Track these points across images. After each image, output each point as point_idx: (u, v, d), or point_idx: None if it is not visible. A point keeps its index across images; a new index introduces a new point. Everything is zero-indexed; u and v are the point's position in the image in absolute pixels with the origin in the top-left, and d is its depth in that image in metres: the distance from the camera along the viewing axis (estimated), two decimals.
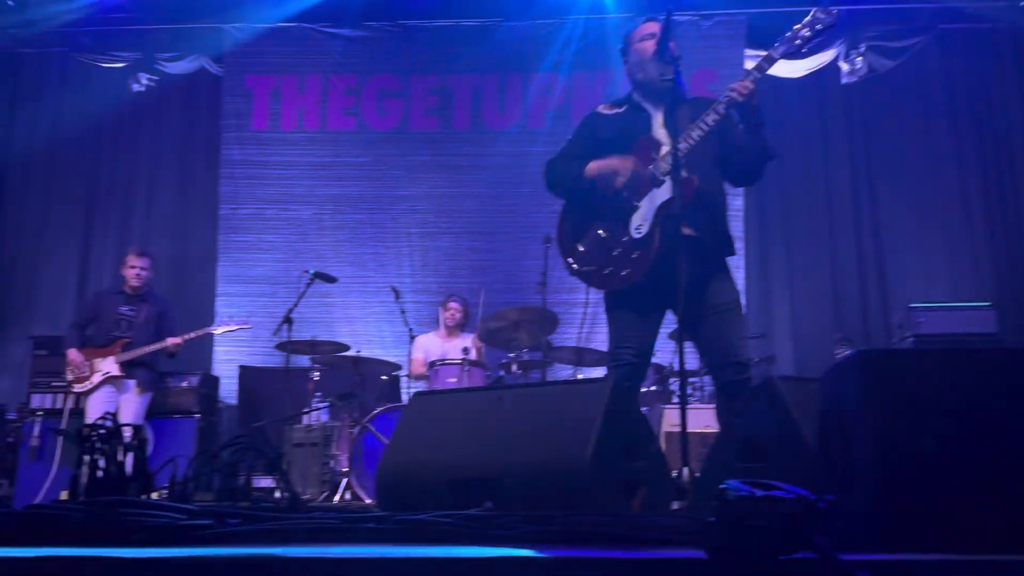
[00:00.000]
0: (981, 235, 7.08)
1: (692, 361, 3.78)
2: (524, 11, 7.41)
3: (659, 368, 5.73)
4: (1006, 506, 1.30)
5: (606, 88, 7.19)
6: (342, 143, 7.64)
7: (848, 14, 7.22)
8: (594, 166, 3.11)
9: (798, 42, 2.96)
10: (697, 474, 2.63)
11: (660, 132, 3.12)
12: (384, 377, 5.87)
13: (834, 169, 7.43)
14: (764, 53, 3.06)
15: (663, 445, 5.27)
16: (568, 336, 6.41)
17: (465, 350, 5.36)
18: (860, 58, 7.22)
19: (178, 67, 7.65)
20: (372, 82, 7.75)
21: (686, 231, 2.98)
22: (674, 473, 2.70)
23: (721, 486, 1.12)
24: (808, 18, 2.96)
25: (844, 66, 7.29)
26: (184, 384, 5.83)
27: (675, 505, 2.60)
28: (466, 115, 7.67)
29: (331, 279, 5.70)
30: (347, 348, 5.68)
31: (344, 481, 5.05)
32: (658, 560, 1.18)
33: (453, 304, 6.07)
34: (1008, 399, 1.32)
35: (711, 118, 2.95)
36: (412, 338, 5.91)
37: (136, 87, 7.59)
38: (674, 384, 5.82)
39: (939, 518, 1.27)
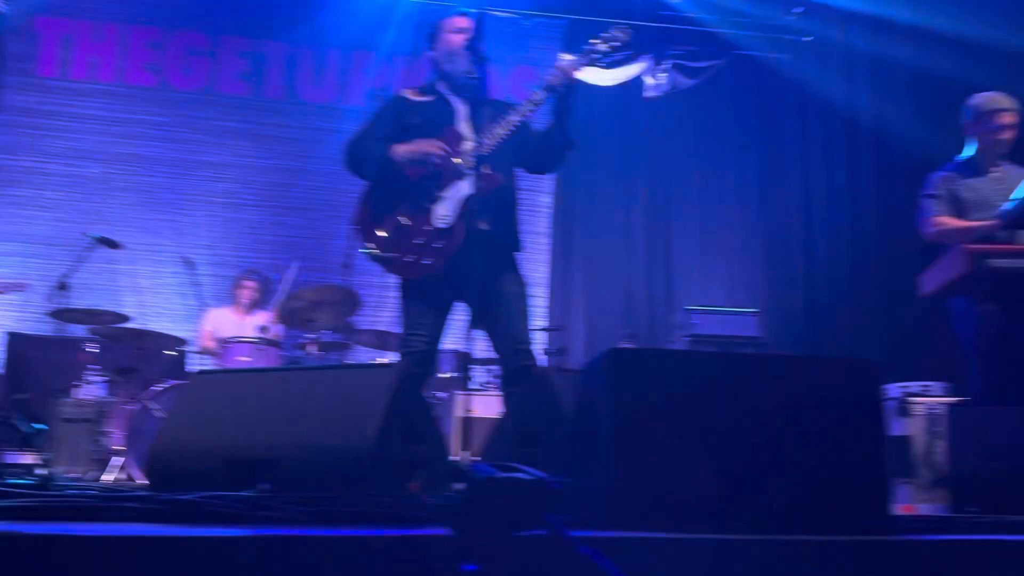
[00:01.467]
0: (756, 245, 7.77)
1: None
2: None
3: (459, 355, 5.85)
4: (725, 490, 1.47)
5: (426, 73, 7.21)
6: (140, 100, 7.14)
7: (657, 32, 7.69)
8: (403, 149, 3.12)
9: (595, 55, 3.14)
10: (477, 458, 2.74)
11: (463, 126, 3.19)
12: (170, 352, 5.58)
13: (634, 175, 7.88)
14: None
15: (456, 430, 5.41)
16: (376, 319, 6.41)
17: (262, 328, 5.22)
18: (664, 74, 7.70)
19: None
20: (178, 38, 7.30)
21: (482, 225, 3.08)
22: (455, 457, 2.80)
23: (468, 468, 1.19)
24: (604, 35, 3.14)
25: (649, 80, 7.75)
26: None
27: (456, 487, 2.69)
28: (279, 84, 7.41)
29: (115, 244, 5.33)
30: (129, 319, 5.35)
31: (118, 460, 4.76)
32: (406, 537, 1.24)
33: (248, 282, 5.87)
34: (732, 397, 1.50)
35: (516, 119, 3.06)
36: (205, 311, 5.66)
37: None
38: (471, 371, 5.97)
39: (666, 501, 1.43)
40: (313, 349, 5.35)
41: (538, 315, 7.12)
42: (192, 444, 2.57)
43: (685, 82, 7.80)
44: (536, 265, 7.32)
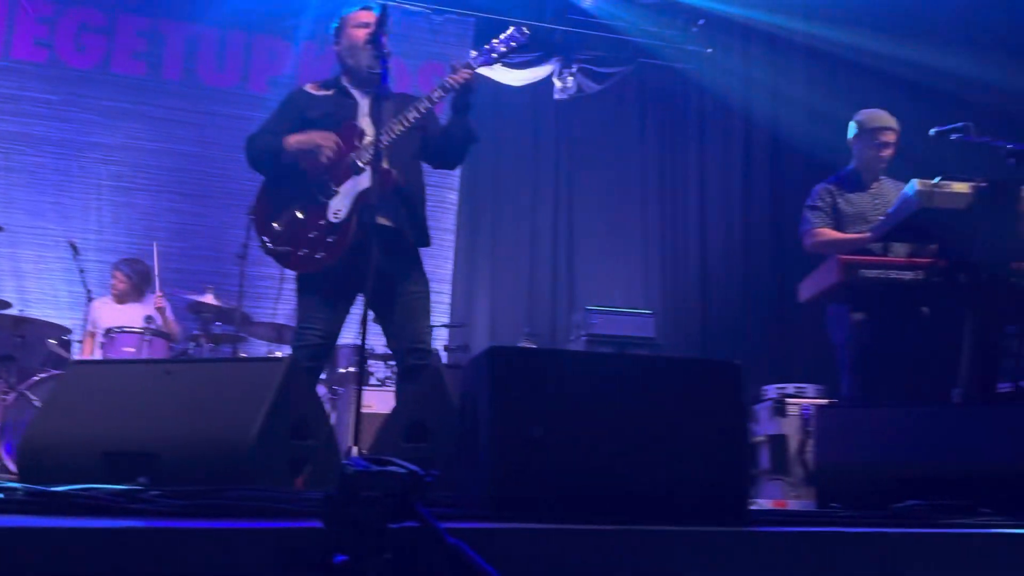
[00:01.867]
0: (654, 249, 8.00)
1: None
2: None
3: (357, 350, 5.80)
4: (596, 485, 1.54)
5: (332, 62, 7.11)
6: (29, 76, 6.78)
7: (565, 36, 7.82)
8: (294, 140, 3.11)
9: (494, 55, 3.19)
10: (365, 452, 2.74)
11: (364, 121, 3.19)
12: (52, 341, 5.34)
13: (540, 175, 7.99)
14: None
15: (351, 426, 5.37)
16: (270, 311, 6.28)
17: (148, 318, 5.04)
18: (571, 78, 7.83)
19: None
20: (72, 14, 6.97)
21: (382, 221, 3.09)
22: (346, 452, 2.79)
23: (342, 463, 1.21)
24: (505, 35, 3.20)
25: (557, 83, 7.86)
26: None
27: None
28: (178, 66, 7.16)
29: None
30: (9, 305, 5.09)
31: None
32: (279, 530, 1.25)
33: (116, 271, 5.64)
34: (605, 396, 1.56)
35: (412, 116, 3.08)
36: (90, 300, 5.43)
37: None
38: (372, 367, 5.94)
39: (541, 495, 1.48)
40: (204, 341, 5.23)
41: (441, 311, 7.15)
42: (67, 436, 2.49)
43: (592, 86, 7.95)
44: (440, 261, 7.33)
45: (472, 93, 3.15)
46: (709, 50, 8.13)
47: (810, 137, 7.33)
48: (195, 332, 5.29)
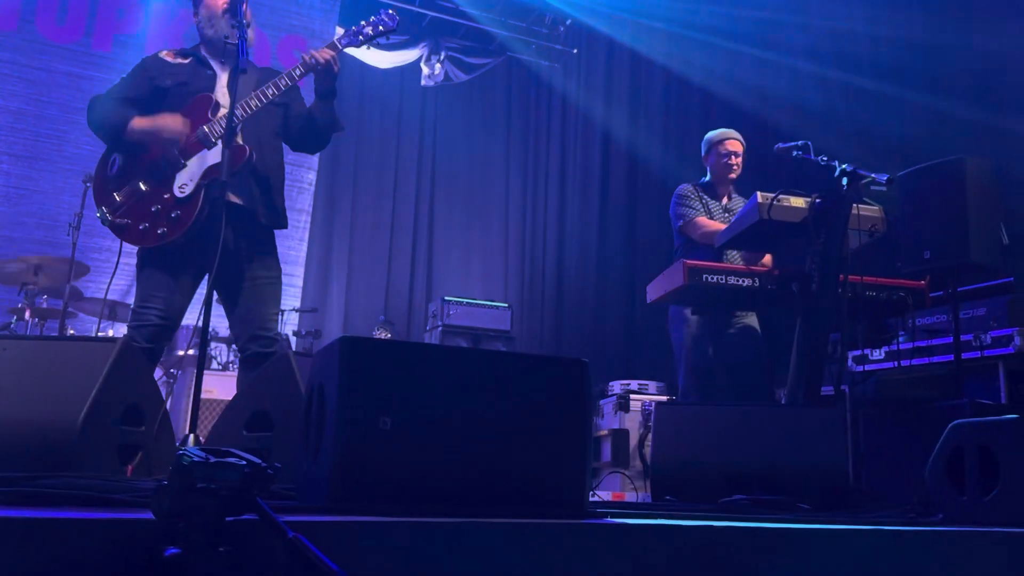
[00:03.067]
0: (513, 243, 8.12)
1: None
2: None
3: (201, 332, 5.54)
4: (441, 478, 1.54)
5: (189, 28, 6.76)
6: None
7: (435, 22, 7.78)
8: (139, 124, 2.93)
9: (361, 37, 3.13)
10: (203, 441, 2.63)
11: (221, 92, 3.05)
12: None
13: (403, 162, 7.93)
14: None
15: (189, 411, 5.13)
16: (105, 286, 5.89)
17: None
18: (439, 65, 7.81)
19: None
20: None
21: (233, 199, 2.96)
22: (181, 439, 2.66)
23: (178, 452, 1.16)
24: (373, 18, 3.15)
25: (425, 69, 7.82)
26: None
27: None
28: (14, 17, 6.58)
29: None
30: None
31: None
32: (107, 520, 1.18)
33: None
34: (456, 390, 1.57)
35: (271, 91, 2.97)
36: None
37: None
38: (214, 350, 5.70)
39: (386, 488, 1.47)
40: (28, 315, 4.84)
41: (292, 295, 6.95)
42: None
43: (460, 76, 7.96)
44: (294, 243, 7.13)
45: (334, 77, 3.07)
46: (575, 51, 8.31)
47: (667, 144, 7.65)
48: (19, 305, 4.88)
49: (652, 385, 4.28)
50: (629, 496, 3.39)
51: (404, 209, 7.88)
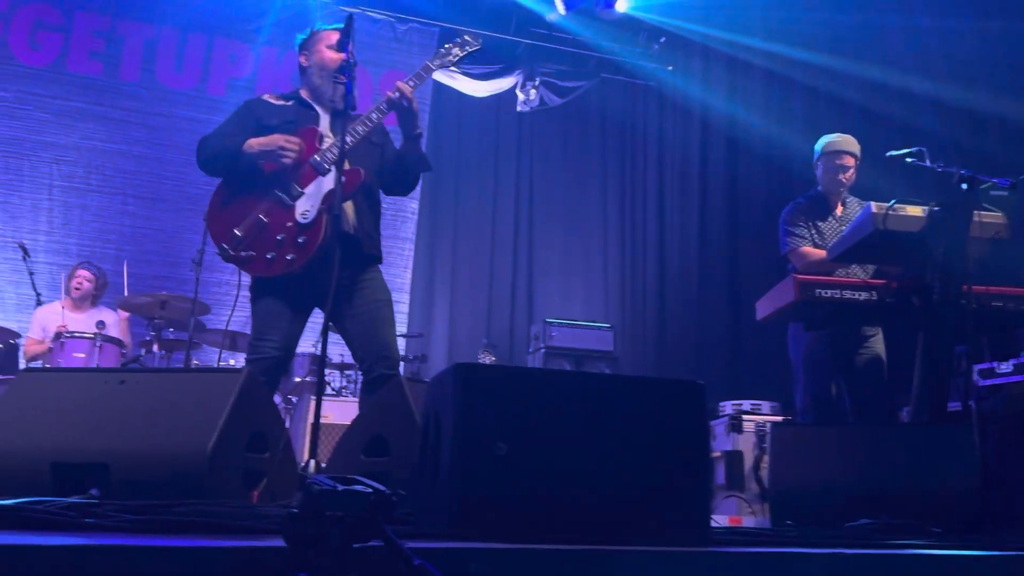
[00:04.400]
0: (612, 266, 8.07)
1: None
2: None
3: (314, 359, 5.73)
4: (560, 504, 1.54)
5: (294, 68, 7.04)
6: None
7: (529, 48, 7.87)
8: (256, 141, 3.04)
9: (450, 58, 3.20)
10: (323, 465, 2.71)
11: (326, 130, 3.16)
12: None
13: (502, 187, 8.01)
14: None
15: (306, 436, 5.30)
16: (225, 318, 6.17)
17: (100, 324, 4.91)
18: (534, 90, 7.88)
19: None
20: (26, 10, 6.81)
21: (348, 228, 3.06)
22: (303, 465, 2.75)
23: (307, 480, 1.20)
24: (458, 40, 3.22)
25: (520, 95, 7.91)
26: None
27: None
28: (136, 67, 7.03)
29: None
30: None
31: None
32: (239, 548, 1.23)
33: (82, 271, 5.49)
34: (571, 414, 1.57)
35: (375, 115, 3.07)
36: (40, 303, 5.28)
37: None
38: (328, 375, 5.88)
39: (504, 514, 1.47)
40: (156, 348, 5.12)
41: (399, 321, 7.10)
42: (15, 446, 2.41)
43: (555, 99, 8.01)
44: (398, 271, 7.30)
45: (413, 114, 3.11)
46: (670, 67, 8.24)
47: (767, 157, 7.48)
48: (147, 338, 5.18)
49: (765, 405, 4.16)
50: (746, 521, 3.29)
51: (504, 233, 7.96)
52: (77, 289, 5.43)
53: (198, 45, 7.18)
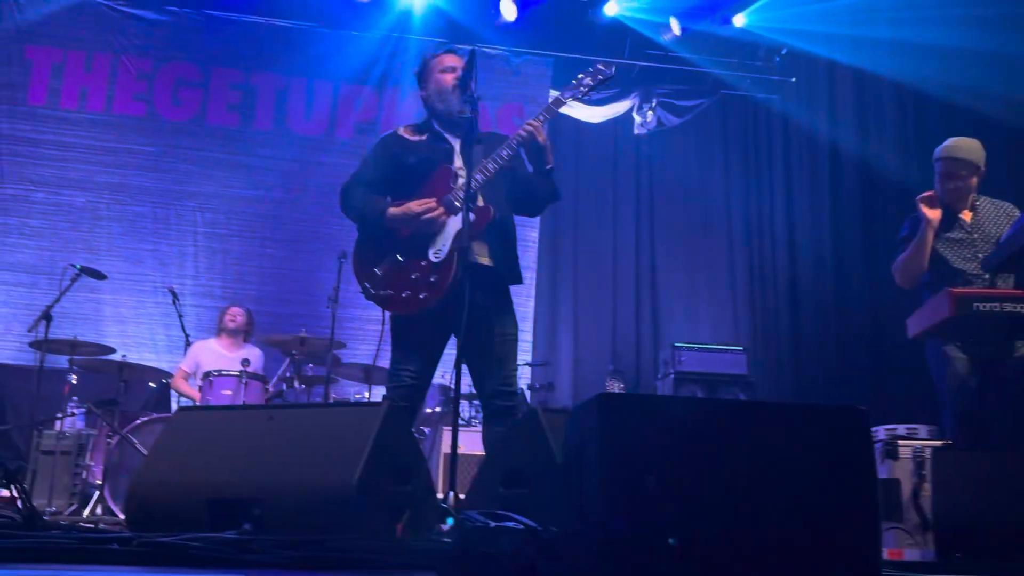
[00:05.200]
0: (741, 286, 7.82)
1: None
2: (339, 19, 7.32)
3: (446, 389, 5.81)
4: (715, 539, 1.46)
5: (417, 106, 7.26)
6: (128, 129, 7.13)
7: (644, 71, 7.81)
8: (395, 212, 3.12)
9: (582, 88, 3.19)
10: (462, 497, 2.71)
11: (458, 162, 3.21)
12: (153, 385, 5.52)
13: (621, 211, 7.94)
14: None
15: (440, 467, 5.36)
16: (359, 352, 6.38)
17: (244, 361, 5.16)
18: (651, 112, 7.80)
19: None
20: (169, 69, 7.33)
21: (481, 260, 3.10)
22: (441, 496, 2.77)
23: (460, 516, 1.18)
24: (591, 69, 3.20)
25: (637, 118, 7.84)
26: None
27: (443, 527, 2.66)
28: (269, 116, 7.43)
29: (100, 275, 5.26)
30: (112, 351, 5.28)
31: (96, 495, 4.68)
32: None
33: (235, 308, 5.81)
34: (722, 444, 1.49)
35: (505, 153, 3.10)
36: (188, 343, 5.60)
37: None
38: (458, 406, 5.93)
39: (656, 550, 1.42)
40: (297, 383, 5.32)
41: (523, 350, 7.11)
42: (173, 483, 2.54)
43: (672, 120, 7.91)
44: (521, 299, 7.32)
45: (542, 149, 3.12)
46: (793, 80, 7.99)
47: (901, 164, 7.09)
48: (288, 374, 5.39)
49: (923, 429, 3.89)
50: (908, 554, 3.07)
51: (625, 257, 7.88)
52: (232, 321, 5.72)
53: (325, 92, 7.51)
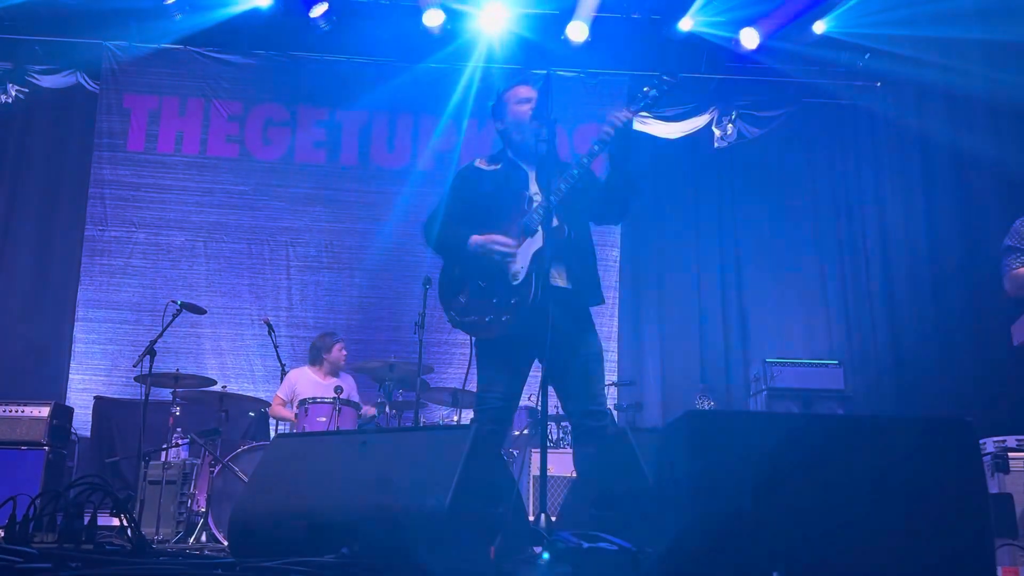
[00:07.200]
0: (833, 297, 7.58)
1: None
2: (418, 54, 7.50)
3: (533, 412, 5.82)
4: (816, 557, 1.42)
5: (495, 136, 7.35)
6: (222, 170, 7.48)
7: (722, 83, 7.71)
8: (477, 241, 3.18)
9: (648, 100, 3.19)
10: (554, 519, 2.71)
11: (534, 188, 3.24)
12: (252, 414, 5.71)
13: (704, 226, 7.83)
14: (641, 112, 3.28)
15: (530, 488, 5.36)
16: (446, 376, 6.47)
17: (337, 389, 5.29)
18: (731, 125, 7.69)
19: (52, 81, 7.36)
20: (258, 110, 7.65)
21: (558, 282, 3.12)
22: (532, 518, 2.77)
23: (552, 537, 1.19)
24: (655, 79, 3.19)
25: (716, 131, 7.74)
26: (33, 413, 5.50)
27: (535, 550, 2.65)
28: (354, 151, 7.66)
29: (199, 310, 5.49)
30: (213, 383, 5.49)
31: (201, 522, 4.86)
32: None
33: (339, 344, 5.97)
34: (819, 460, 1.45)
35: (575, 171, 3.11)
36: (284, 372, 5.78)
37: (3, 98, 7.23)
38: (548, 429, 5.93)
39: (750, 567, 1.38)
40: (388, 409, 5.42)
41: (608, 370, 7.06)
42: (273, 509, 2.62)
43: (753, 131, 7.77)
44: (604, 319, 7.28)
45: (627, 135, 3.12)
46: (878, 84, 7.75)
47: (1000, 161, 6.75)
48: (379, 400, 5.50)
49: None
50: (1023, 572, 2.90)
51: (709, 272, 7.75)
52: (340, 359, 5.89)
53: (406, 125, 7.72)
